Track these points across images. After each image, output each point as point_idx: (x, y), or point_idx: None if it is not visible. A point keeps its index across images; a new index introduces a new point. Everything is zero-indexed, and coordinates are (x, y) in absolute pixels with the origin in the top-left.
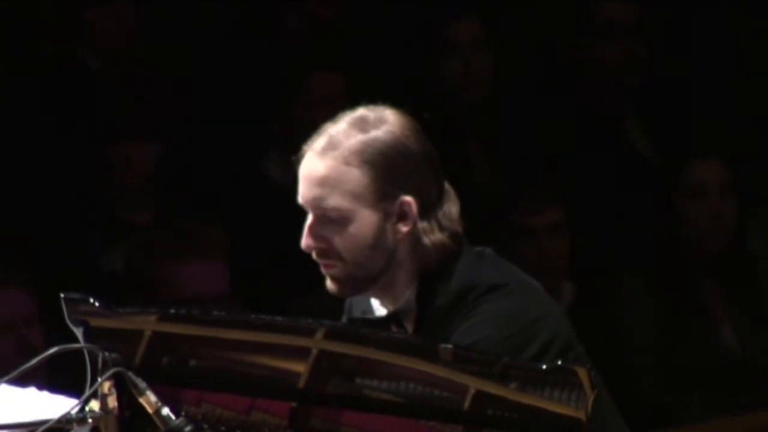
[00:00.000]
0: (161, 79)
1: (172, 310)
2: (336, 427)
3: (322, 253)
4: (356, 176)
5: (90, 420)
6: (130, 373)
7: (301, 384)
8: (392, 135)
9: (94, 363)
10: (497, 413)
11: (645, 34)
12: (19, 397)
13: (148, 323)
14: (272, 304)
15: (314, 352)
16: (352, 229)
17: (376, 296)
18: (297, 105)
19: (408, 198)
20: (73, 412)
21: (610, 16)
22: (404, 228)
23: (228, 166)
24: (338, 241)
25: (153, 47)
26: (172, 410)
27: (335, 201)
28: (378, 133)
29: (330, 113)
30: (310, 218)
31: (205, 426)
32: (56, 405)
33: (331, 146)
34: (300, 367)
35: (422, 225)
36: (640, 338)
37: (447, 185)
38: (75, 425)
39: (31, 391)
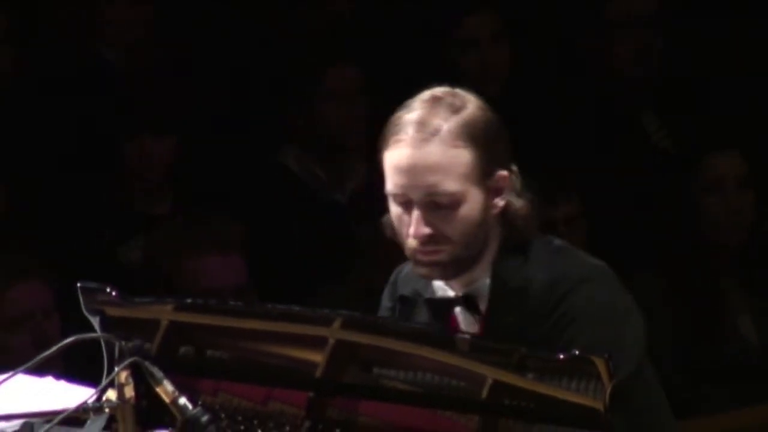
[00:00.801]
0: (179, 72)
1: (189, 300)
2: (353, 417)
3: (430, 240)
4: (465, 157)
5: (107, 409)
6: (146, 363)
7: (318, 374)
8: (482, 111)
9: (111, 353)
10: (514, 403)
11: (662, 26)
12: (36, 386)
13: (164, 313)
14: (289, 296)
15: (331, 341)
16: (463, 210)
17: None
18: (314, 98)
19: (504, 172)
20: (90, 401)
21: (628, 8)
22: (500, 202)
23: (245, 158)
24: (448, 225)
25: (170, 40)
26: (189, 400)
27: (449, 185)
28: (470, 111)
29: (346, 106)
30: (414, 211)
31: (222, 415)
32: (73, 394)
33: (432, 132)
34: (317, 357)
35: (511, 197)
36: (657, 332)
37: None
38: (92, 414)
39: (49, 380)
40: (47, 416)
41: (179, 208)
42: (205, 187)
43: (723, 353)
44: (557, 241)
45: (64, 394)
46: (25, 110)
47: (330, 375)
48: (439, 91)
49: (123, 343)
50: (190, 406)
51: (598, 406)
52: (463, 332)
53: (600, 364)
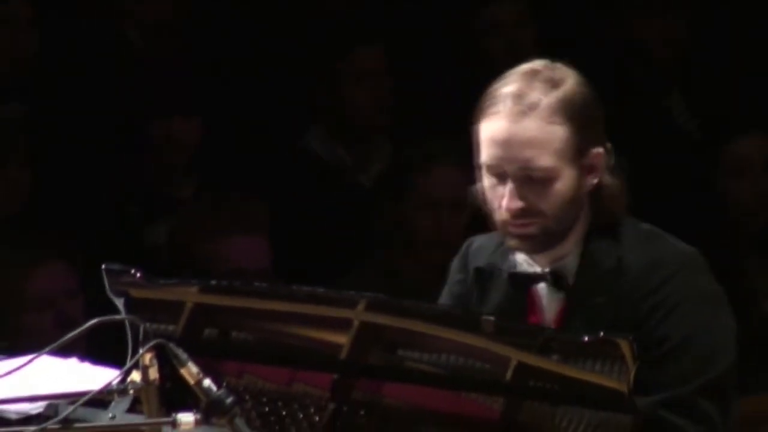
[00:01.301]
0: (203, 53)
1: (214, 282)
2: (378, 399)
3: (522, 213)
4: (561, 134)
5: (131, 391)
6: (171, 345)
7: (342, 356)
8: (581, 87)
9: (135, 334)
10: (539, 385)
11: (688, 9)
12: (60, 368)
13: (189, 294)
14: (313, 279)
15: (356, 323)
16: (557, 186)
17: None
18: (340, 80)
19: (599, 150)
20: (115, 383)
21: None
22: (594, 180)
23: (270, 140)
24: (541, 200)
25: (195, 22)
26: (213, 381)
27: (544, 161)
28: (569, 87)
29: (372, 88)
30: (508, 183)
31: (247, 397)
32: (97, 376)
33: (530, 106)
34: (341, 339)
35: (604, 176)
36: None
37: None
38: (116, 396)
39: (73, 362)
40: (71, 398)
41: (204, 191)
42: (229, 169)
43: (749, 336)
44: (645, 224)
45: (88, 376)
46: (50, 93)
47: (354, 357)
48: (538, 64)
49: (147, 324)
50: (214, 388)
51: (623, 388)
52: (489, 314)
53: (624, 346)
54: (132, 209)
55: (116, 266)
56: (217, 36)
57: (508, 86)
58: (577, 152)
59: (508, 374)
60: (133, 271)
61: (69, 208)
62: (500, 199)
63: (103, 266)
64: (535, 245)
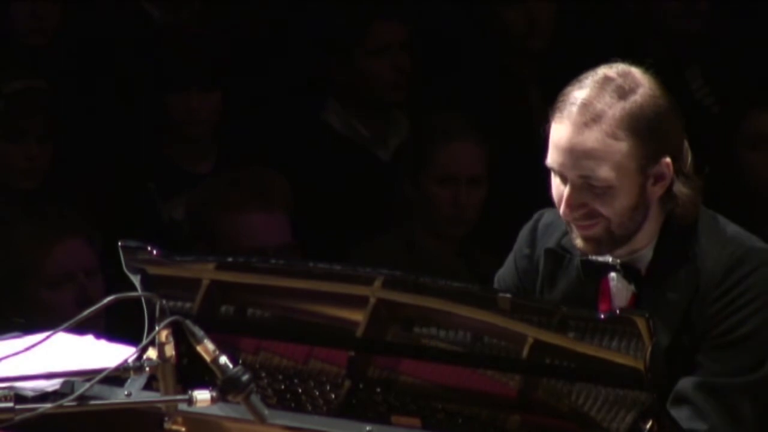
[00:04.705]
0: (223, 27)
1: (230, 258)
2: (394, 376)
3: (583, 217)
4: (623, 148)
5: (147, 368)
6: (187, 322)
7: (359, 333)
8: (650, 98)
9: (152, 311)
10: (555, 362)
11: None
12: (77, 345)
13: (206, 271)
14: (332, 254)
15: (372, 300)
16: (618, 195)
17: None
18: (358, 54)
19: (667, 159)
20: (131, 360)
21: None
22: (661, 188)
23: (288, 115)
24: (601, 205)
25: None
26: (229, 358)
27: (603, 173)
28: (637, 98)
29: (390, 62)
30: (567, 187)
31: (263, 374)
32: (114, 353)
33: (594, 117)
34: (358, 316)
35: (676, 182)
36: None
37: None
38: (132, 373)
39: (89, 339)
40: (88, 375)
41: (223, 166)
42: (247, 144)
43: None
44: (722, 218)
45: (105, 353)
46: (71, 68)
47: (371, 334)
48: (612, 70)
49: (164, 301)
50: (230, 365)
51: (639, 365)
52: (505, 291)
53: (641, 323)
54: (150, 185)
55: (133, 243)
56: (236, 11)
57: (578, 91)
58: (641, 164)
59: (525, 351)
60: (149, 248)
61: (88, 184)
62: (562, 198)
63: (120, 243)
64: (599, 247)
